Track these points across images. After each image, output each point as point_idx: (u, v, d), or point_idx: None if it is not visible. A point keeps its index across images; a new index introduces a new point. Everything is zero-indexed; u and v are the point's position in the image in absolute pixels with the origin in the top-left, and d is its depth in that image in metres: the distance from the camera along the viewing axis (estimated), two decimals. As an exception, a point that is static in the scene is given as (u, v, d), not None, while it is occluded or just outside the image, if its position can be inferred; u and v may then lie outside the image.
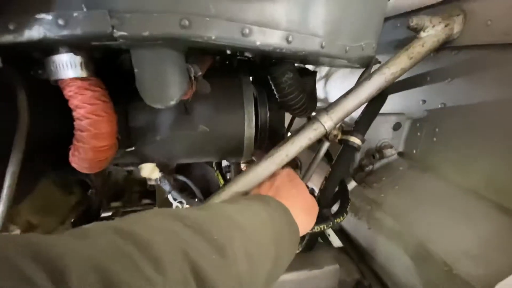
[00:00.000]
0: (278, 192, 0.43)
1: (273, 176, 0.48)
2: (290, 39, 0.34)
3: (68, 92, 0.29)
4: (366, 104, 0.52)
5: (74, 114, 0.30)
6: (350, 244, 0.65)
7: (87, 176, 0.49)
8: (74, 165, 0.33)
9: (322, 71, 1.06)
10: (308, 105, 0.61)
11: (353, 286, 0.58)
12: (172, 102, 0.30)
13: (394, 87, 0.63)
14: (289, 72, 0.55)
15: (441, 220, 0.45)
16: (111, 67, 0.43)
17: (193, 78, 0.36)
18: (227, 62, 0.61)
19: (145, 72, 0.29)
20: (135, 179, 0.75)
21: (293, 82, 0.55)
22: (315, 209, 0.47)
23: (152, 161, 0.52)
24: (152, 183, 0.62)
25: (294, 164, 0.57)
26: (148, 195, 0.75)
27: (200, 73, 0.36)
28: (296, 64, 0.59)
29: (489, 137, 0.44)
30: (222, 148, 0.53)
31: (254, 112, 0.51)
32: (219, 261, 0.26)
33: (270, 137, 0.66)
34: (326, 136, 0.50)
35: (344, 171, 0.49)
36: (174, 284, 0.22)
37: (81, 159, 0.32)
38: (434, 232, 0.45)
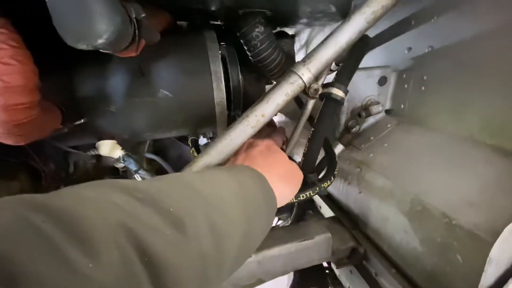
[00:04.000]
0: (253, 161, 0.40)
1: (249, 147, 0.43)
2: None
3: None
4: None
5: (-27, 63, 0.24)
6: (342, 212, 0.61)
7: (31, 158, 0.43)
8: (-10, 133, 0.27)
9: (301, 39, 1.00)
10: (286, 67, 0.56)
11: (348, 254, 0.54)
12: (101, 41, 0.24)
13: (376, 39, 0.58)
14: (259, 26, 0.49)
15: (435, 172, 0.42)
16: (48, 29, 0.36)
17: (134, 20, 0.29)
18: (189, 23, 0.54)
19: (58, 1, 0.22)
20: (105, 167, 0.68)
21: (265, 37, 0.49)
22: (297, 176, 0.43)
23: (111, 138, 0.46)
24: (120, 165, 0.56)
25: (282, 138, 0.52)
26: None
27: (143, 15, 0.30)
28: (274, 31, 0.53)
29: (482, 74, 0.40)
30: (190, 117, 0.47)
31: (223, 72, 0.45)
32: (176, 236, 0.21)
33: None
34: (305, 92, 0.45)
35: (328, 128, 0.44)
36: (111, 269, 0.17)
37: (-9, 123, 0.26)
38: (428, 184, 0.41)
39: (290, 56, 0.63)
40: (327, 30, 0.81)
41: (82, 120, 0.39)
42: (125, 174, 0.67)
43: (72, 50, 0.40)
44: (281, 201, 0.40)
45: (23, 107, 0.26)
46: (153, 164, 0.69)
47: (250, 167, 0.37)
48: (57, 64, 0.40)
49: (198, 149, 0.60)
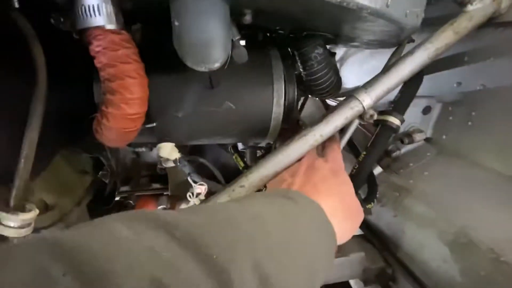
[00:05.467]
0: (314, 189, 0.35)
1: (310, 168, 0.39)
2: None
3: (96, 47, 0.25)
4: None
5: (102, 74, 0.26)
6: (371, 231, 0.63)
7: (102, 153, 0.45)
8: (98, 136, 0.29)
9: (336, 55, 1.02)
10: (336, 85, 0.58)
11: (377, 274, 0.56)
12: (217, 65, 0.26)
13: (426, 68, 0.59)
14: (319, 47, 0.51)
15: (481, 206, 0.43)
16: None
17: (231, 43, 0.31)
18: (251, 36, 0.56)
19: (187, 26, 0.24)
20: (143, 163, 0.71)
21: (323, 58, 0.52)
22: (359, 214, 0.38)
23: (170, 141, 0.48)
24: (170, 164, 0.58)
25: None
26: (158, 179, 0.71)
27: (238, 37, 0.32)
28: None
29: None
30: (246, 128, 0.49)
31: (283, 89, 0.47)
32: None
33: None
34: (361, 116, 0.47)
35: (380, 154, 0.46)
36: None
37: (108, 128, 0.28)
38: (475, 218, 0.42)
39: (337, 73, 0.65)
40: (367, 51, 0.83)
41: (154, 124, 0.41)
42: (164, 171, 0.69)
43: (148, 58, 0.42)
44: (341, 239, 0.34)
45: (138, 116, 0.28)
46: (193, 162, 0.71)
47: (308, 199, 0.32)
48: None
49: (241, 155, 0.62)
